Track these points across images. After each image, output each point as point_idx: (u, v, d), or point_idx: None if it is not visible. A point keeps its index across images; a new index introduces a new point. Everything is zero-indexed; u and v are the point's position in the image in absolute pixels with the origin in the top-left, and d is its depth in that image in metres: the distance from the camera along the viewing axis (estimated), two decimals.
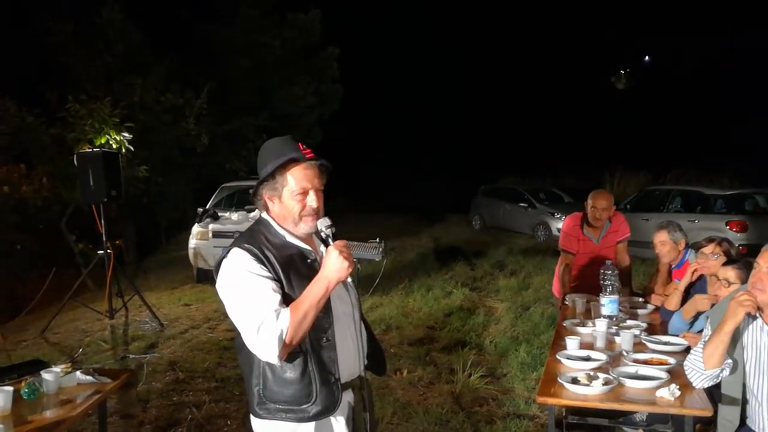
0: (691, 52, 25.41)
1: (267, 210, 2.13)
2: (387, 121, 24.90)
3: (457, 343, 6.32)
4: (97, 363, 5.71)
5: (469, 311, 7.73)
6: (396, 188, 22.31)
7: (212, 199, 10.95)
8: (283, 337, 1.88)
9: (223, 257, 2.06)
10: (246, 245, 2.02)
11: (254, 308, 1.91)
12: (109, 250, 7.27)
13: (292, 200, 2.05)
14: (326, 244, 2.06)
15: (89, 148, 8.22)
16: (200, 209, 10.17)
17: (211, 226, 9.60)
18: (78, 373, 3.06)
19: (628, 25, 27.18)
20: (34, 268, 10.09)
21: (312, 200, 2.06)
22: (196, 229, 9.77)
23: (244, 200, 10.81)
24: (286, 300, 1.95)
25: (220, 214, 10.02)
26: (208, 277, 9.77)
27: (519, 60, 27.11)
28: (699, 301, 3.52)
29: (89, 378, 3.05)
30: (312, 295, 1.94)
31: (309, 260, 2.09)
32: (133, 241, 12.63)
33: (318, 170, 2.10)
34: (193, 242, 9.70)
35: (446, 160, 24.16)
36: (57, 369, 3.02)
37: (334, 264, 1.94)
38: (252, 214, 9.86)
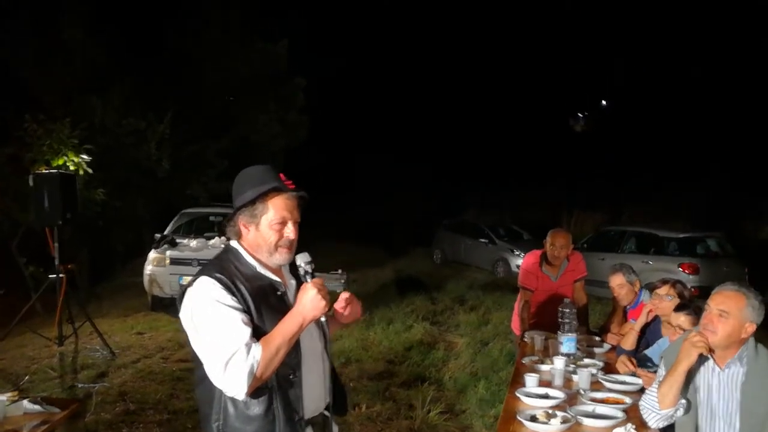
0: (648, 95, 26.43)
1: (240, 237, 2.10)
2: (352, 152, 25.07)
3: (416, 378, 6.30)
4: (45, 392, 5.48)
5: (429, 345, 7.73)
6: (359, 219, 22.35)
7: (171, 224, 10.76)
8: (254, 371, 1.85)
9: (189, 285, 2.01)
10: (216, 274, 1.97)
11: (224, 341, 1.86)
12: (61, 275, 7.05)
13: (270, 230, 2.03)
14: (301, 280, 2.04)
15: (46, 169, 8.02)
16: (158, 235, 9.97)
17: (168, 253, 9.42)
18: (25, 402, 2.95)
19: (587, 70, 28.17)
20: None
21: (290, 231, 2.05)
22: (152, 255, 9.57)
23: (203, 227, 10.66)
24: (256, 333, 1.91)
25: (178, 240, 9.84)
26: (163, 304, 9.56)
27: (482, 99, 27.77)
28: (619, 364, 3.63)
29: (37, 407, 2.94)
30: (285, 330, 1.91)
31: (279, 292, 2.06)
32: (87, 266, 12.24)
33: (297, 202, 2.09)
34: (149, 268, 9.48)
35: (410, 193, 24.35)
36: (3, 397, 2.90)
37: (311, 301, 1.92)
38: (211, 242, 9.72)
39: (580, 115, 30.62)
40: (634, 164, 23.25)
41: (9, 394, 2.97)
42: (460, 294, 11.67)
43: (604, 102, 31.28)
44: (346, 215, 22.15)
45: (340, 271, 9.72)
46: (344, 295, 2.17)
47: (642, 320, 3.90)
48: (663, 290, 3.83)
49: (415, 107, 27.44)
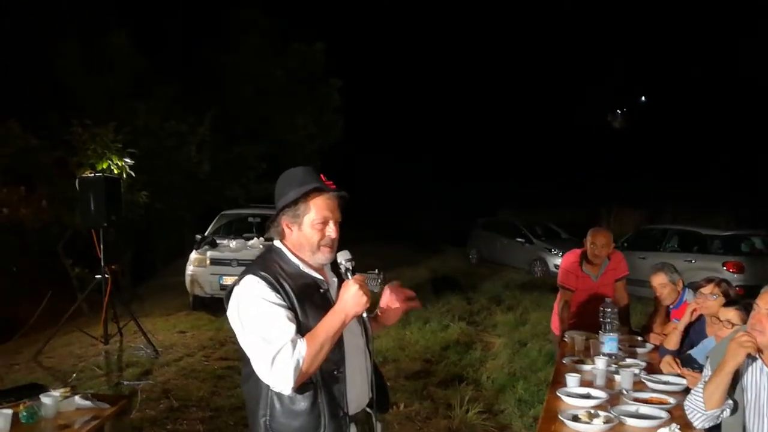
0: (688, 91, 25.81)
1: (283, 237, 2.14)
2: (388, 151, 25.10)
3: (454, 378, 6.29)
4: (91, 389, 5.64)
5: (466, 345, 7.70)
6: (395, 218, 22.38)
7: (211, 226, 10.96)
8: (300, 367, 1.89)
9: (235, 284, 2.06)
10: (261, 273, 2.02)
11: (270, 338, 1.91)
12: (106, 275, 7.25)
13: (312, 229, 2.07)
14: (342, 277, 2.08)
15: (91, 173, 8.26)
16: (198, 236, 10.17)
17: (209, 253, 9.60)
18: (77, 397, 3.05)
19: (626, 66, 27.65)
20: (29, 290, 10.03)
21: (331, 231, 2.09)
22: (193, 255, 9.76)
23: (243, 228, 10.84)
24: (301, 330, 1.96)
25: (218, 241, 10.02)
26: (204, 304, 9.74)
27: (521, 96, 27.46)
28: (663, 365, 3.58)
29: (88, 403, 3.04)
30: (328, 327, 1.95)
31: (322, 290, 2.10)
32: (130, 267, 12.58)
33: (338, 202, 2.13)
34: (190, 269, 9.67)
35: (446, 191, 24.27)
36: (56, 393, 3.01)
37: (353, 298, 1.95)
38: (250, 243, 9.87)
39: (618, 111, 30.06)
40: (676, 161, 22.75)
41: (62, 390, 3.08)
42: (496, 294, 11.58)
43: (643, 98, 30.65)
44: (380, 215, 22.21)
45: (376, 271, 9.72)
46: (409, 293, 2.24)
47: (686, 320, 3.83)
48: (708, 289, 3.75)
49: (453, 104, 27.32)
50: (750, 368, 2.69)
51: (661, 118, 27.21)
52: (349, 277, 2.03)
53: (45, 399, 2.91)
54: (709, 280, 3.86)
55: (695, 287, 4.13)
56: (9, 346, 7.87)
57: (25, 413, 2.80)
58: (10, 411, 2.73)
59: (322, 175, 2.14)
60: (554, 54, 27.87)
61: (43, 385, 3.37)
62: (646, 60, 27.26)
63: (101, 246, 7.34)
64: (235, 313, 2.03)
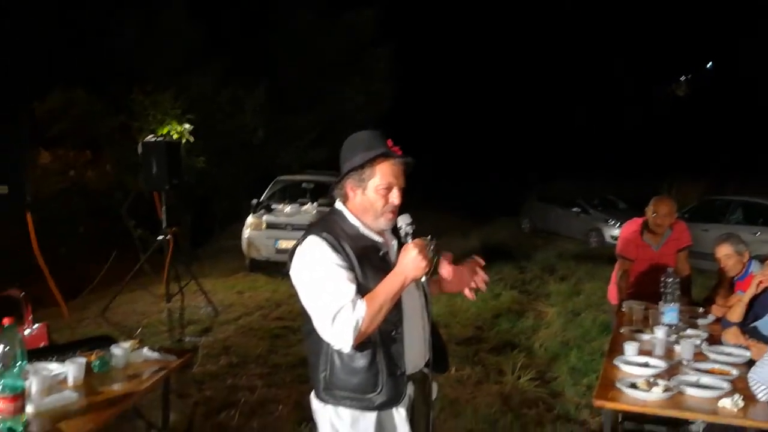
0: (755, 57, 24.42)
1: (346, 200, 2.16)
2: (439, 120, 24.82)
3: (505, 345, 6.29)
4: (155, 344, 5.88)
5: (518, 314, 7.67)
6: (446, 187, 22.23)
7: (266, 191, 11.17)
8: (359, 326, 1.93)
9: (298, 243, 2.10)
10: (323, 233, 2.06)
11: (331, 297, 1.96)
12: (168, 237, 7.50)
13: (375, 194, 2.09)
14: (402, 240, 2.09)
15: (152, 138, 8.50)
16: (254, 201, 10.39)
17: (264, 218, 9.81)
18: (145, 349, 3.19)
19: (690, 31, 26.29)
20: (95, 250, 10.49)
21: (395, 197, 2.10)
22: (250, 219, 9.99)
23: (297, 193, 11.02)
24: (360, 290, 1.99)
25: (273, 206, 10.22)
26: (260, 266, 10.00)
27: (581, 64, 26.54)
28: (728, 335, 3.47)
29: (156, 355, 3.17)
30: (388, 288, 1.98)
31: (381, 253, 2.13)
32: (189, 230, 12.98)
33: (403, 168, 2.14)
34: (246, 233, 9.91)
35: (498, 161, 23.93)
36: (126, 345, 3.15)
37: (412, 261, 1.97)
38: (304, 208, 10.03)
39: (682, 78, 28.75)
40: (741, 130, 21.71)
41: (131, 342, 3.23)
42: (550, 263, 11.43)
43: (709, 64, 29.19)
44: (430, 183, 22.10)
45: (429, 237, 9.75)
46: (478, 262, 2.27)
47: (751, 292, 3.70)
48: None
49: (511, 69, 26.61)
50: None
51: (727, 85, 25.89)
52: (409, 240, 2.04)
53: (115, 350, 3.06)
54: None
55: (762, 259, 3.97)
56: (77, 302, 8.27)
57: (97, 362, 2.94)
58: (83, 360, 2.87)
59: (389, 141, 2.13)
60: (614, 19, 26.74)
61: (113, 337, 3.53)
62: (713, 23, 25.81)
63: (163, 208, 7.58)
64: (297, 272, 2.08)
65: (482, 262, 2.29)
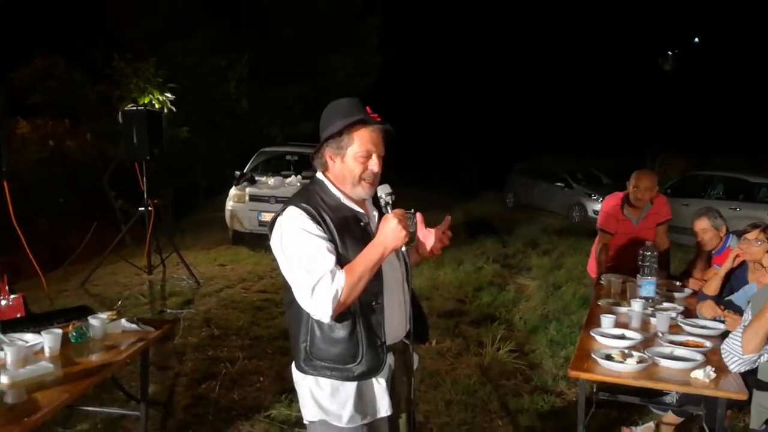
0: (742, 34, 24.47)
1: (326, 169, 2.15)
2: (425, 94, 24.68)
3: (486, 318, 6.35)
4: (135, 315, 5.87)
5: (500, 287, 7.74)
6: (432, 162, 22.22)
7: (250, 163, 11.07)
8: (338, 297, 1.92)
9: (278, 214, 2.09)
10: (303, 204, 2.04)
11: (310, 267, 1.95)
12: (149, 208, 7.43)
13: (354, 161, 2.07)
14: (382, 211, 2.08)
15: (133, 107, 8.35)
16: (238, 172, 10.29)
17: (248, 190, 9.73)
18: (123, 320, 3.17)
19: (676, 6, 26.22)
20: (75, 221, 10.38)
21: (374, 164, 2.09)
22: (233, 191, 9.91)
23: (281, 165, 10.93)
24: (340, 261, 1.98)
25: (257, 178, 10.14)
26: (243, 238, 9.96)
27: (563, 38, 26.45)
28: (704, 308, 3.51)
29: (134, 326, 3.15)
30: (367, 259, 1.97)
31: (362, 223, 2.12)
32: (171, 201, 12.88)
33: (382, 135, 2.11)
34: (230, 204, 9.85)
35: (484, 135, 23.92)
36: (103, 316, 3.13)
37: (392, 231, 1.96)
38: (288, 180, 9.96)
39: (669, 53, 28.72)
40: (725, 107, 21.84)
41: (109, 313, 3.21)
42: (532, 238, 11.52)
43: (696, 39, 29.17)
44: (417, 157, 22.06)
45: (412, 211, 9.75)
46: (447, 220, 2.24)
47: (727, 265, 3.75)
48: (753, 234, 3.65)
49: (495, 45, 26.47)
50: None
51: (713, 60, 25.93)
52: (389, 210, 2.03)
53: (93, 321, 3.03)
54: (754, 226, 3.75)
55: (739, 234, 4.02)
56: (58, 273, 8.20)
57: (74, 333, 2.92)
58: (60, 330, 2.85)
59: (367, 108, 2.11)
60: None
61: (90, 308, 3.50)
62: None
63: (144, 179, 7.49)
64: (277, 242, 2.06)
65: (449, 218, 2.27)
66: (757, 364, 2.70)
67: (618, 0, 26.26)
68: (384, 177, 2.15)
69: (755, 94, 21.89)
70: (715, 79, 24.28)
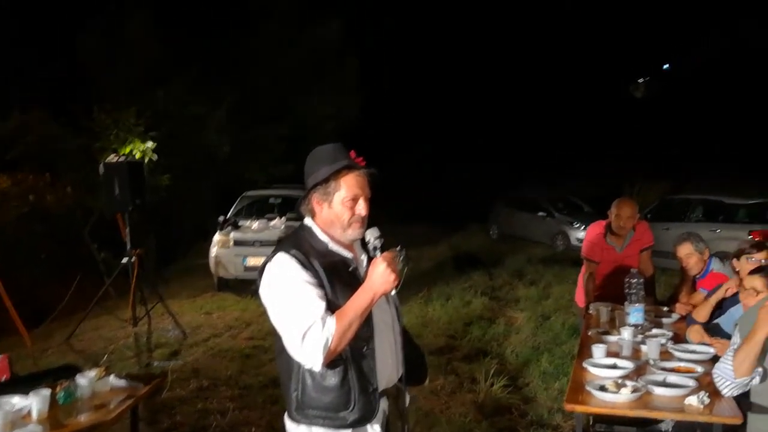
0: (711, 60, 25.22)
1: (313, 215, 2.16)
2: (406, 130, 24.94)
3: (478, 353, 6.32)
4: (122, 370, 5.76)
5: (489, 320, 7.72)
6: (415, 197, 22.32)
7: (233, 207, 11.04)
8: (329, 345, 1.92)
9: (267, 261, 2.09)
10: (292, 251, 2.05)
11: (300, 315, 1.94)
12: (133, 259, 7.37)
13: (342, 206, 2.09)
14: (371, 254, 2.09)
15: (114, 158, 8.35)
16: (221, 218, 10.26)
17: (232, 235, 9.69)
18: (111, 377, 3.12)
19: (647, 34, 27.00)
20: (57, 276, 10.22)
21: (361, 208, 2.11)
22: (217, 237, 9.85)
23: (264, 208, 10.92)
24: (330, 307, 1.98)
25: (240, 222, 10.11)
26: (229, 285, 9.87)
27: (540, 70, 27.04)
28: (692, 333, 3.53)
29: (122, 382, 3.11)
30: (357, 304, 1.97)
31: (351, 268, 2.12)
32: (154, 250, 12.76)
33: (368, 179, 2.14)
34: (214, 251, 9.78)
35: (466, 169, 24.13)
36: (91, 373, 3.08)
37: (381, 276, 1.97)
38: (272, 223, 9.95)
39: (640, 80, 29.43)
40: (700, 130, 22.33)
41: (97, 371, 3.15)
42: (518, 268, 11.55)
43: (666, 65, 29.94)
44: (400, 194, 22.16)
45: (399, 248, 9.76)
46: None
47: (719, 295, 3.75)
48: (761, 255, 3.62)
49: (474, 80, 26.93)
50: None
51: (684, 86, 26.60)
52: (378, 254, 2.04)
53: (80, 379, 2.98)
54: (760, 246, 3.70)
55: (722, 257, 4.07)
56: (41, 330, 8.03)
57: (62, 394, 2.87)
58: (48, 391, 2.80)
59: (352, 152, 2.14)
60: (574, 24, 27.31)
61: (77, 366, 3.45)
62: (669, 26, 26.54)
63: (127, 230, 7.43)
64: (266, 290, 2.06)
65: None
66: (749, 386, 2.71)
67: (588, 28, 26.97)
68: (370, 213, 2.15)
69: (726, 117, 22.46)
70: (687, 103, 24.87)
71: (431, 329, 7.36)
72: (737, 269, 3.69)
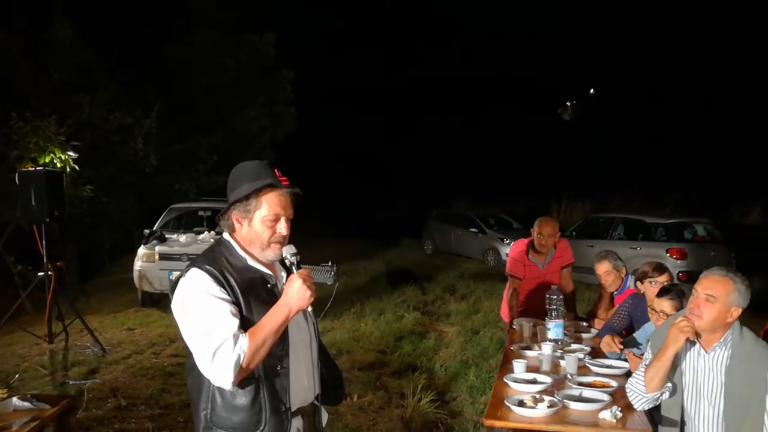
0: (635, 84, 26.54)
1: (233, 231, 2.11)
2: (341, 144, 25.00)
3: (407, 368, 6.33)
4: (35, 389, 5.47)
5: (421, 335, 7.77)
6: (350, 212, 22.35)
7: (160, 220, 10.70)
8: (240, 362, 1.86)
9: (181, 276, 2.02)
10: (206, 266, 1.99)
11: (211, 332, 1.88)
12: (49, 272, 7.01)
13: (262, 225, 2.04)
14: (289, 272, 2.05)
15: (32, 167, 7.96)
16: (147, 231, 9.92)
17: (157, 248, 9.38)
18: (14, 399, 2.95)
19: (575, 60, 28.19)
20: None
21: (282, 228, 2.07)
22: (142, 251, 9.52)
23: (193, 221, 10.64)
24: (244, 324, 1.93)
25: (167, 236, 9.79)
26: (153, 300, 9.55)
27: (472, 90, 27.74)
28: (603, 344, 3.68)
29: (26, 404, 2.94)
30: (272, 321, 1.93)
31: (269, 285, 2.08)
32: (75, 263, 12.20)
33: (290, 199, 2.10)
34: (138, 264, 9.44)
35: (401, 184, 24.38)
36: None
37: (296, 292, 1.94)
38: (201, 236, 9.70)
39: (568, 103, 30.64)
40: (624, 152, 23.38)
41: None
42: (450, 283, 11.71)
43: (592, 90, 31.30)
44: (334, 208, 22.14)
45: (329, 263, 9.72)
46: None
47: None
48: (664, 278, 3.77)
49: (407, 97, 27.35)
50: (689, 352, 2.78)
51: (610, 109, 27.86)
52: (294, 271, 2.01)
53: None
54: (661, 270, 3.85)
55: (638, 276, 4.25)
56: None
57: None
58: None
59: (276, 170, 2.09)
60: (507, 49, 28.20)
61: None
62: (595, 51, 27.79)
63: (43, 242, 7.08)
64: (179, 306, 1.99)
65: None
66: (660, 401, 2.81)
67: (522, 50, 27.92)
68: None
69: (648, 141, 23.63)
70: (611, 126, 26.03)
71: (362, 344, 7.34)
72: (642, 291, 3.84)
